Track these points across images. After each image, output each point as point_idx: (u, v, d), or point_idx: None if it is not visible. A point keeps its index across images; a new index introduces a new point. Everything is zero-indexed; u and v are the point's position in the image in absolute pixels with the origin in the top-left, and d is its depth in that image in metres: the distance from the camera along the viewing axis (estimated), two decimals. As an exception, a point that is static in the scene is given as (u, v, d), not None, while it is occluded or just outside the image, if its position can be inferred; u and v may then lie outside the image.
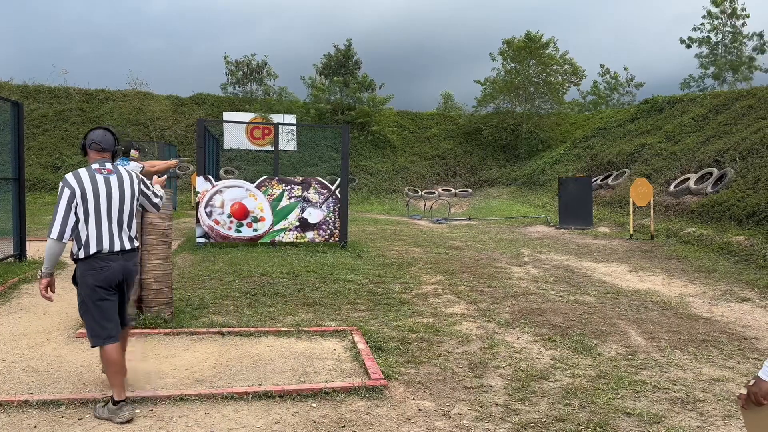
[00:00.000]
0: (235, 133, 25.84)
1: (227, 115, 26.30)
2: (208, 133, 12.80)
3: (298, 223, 10.69)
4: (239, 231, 10.45)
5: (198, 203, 10.36)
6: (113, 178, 3.56)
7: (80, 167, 3.65)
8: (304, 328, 5.19)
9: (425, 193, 25.80)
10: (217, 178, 11.95)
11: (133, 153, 9.61)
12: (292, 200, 10.69)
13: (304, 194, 10.72)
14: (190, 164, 24.41)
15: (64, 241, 3.40)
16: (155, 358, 4.42)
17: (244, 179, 11.06)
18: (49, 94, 26.65)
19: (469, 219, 18.66)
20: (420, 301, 6.56)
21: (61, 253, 3.47)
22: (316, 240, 10.73)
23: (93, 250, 3.45)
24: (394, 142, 28.75)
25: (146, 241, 5.22)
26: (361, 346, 4.70)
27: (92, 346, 3.57)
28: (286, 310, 5.95)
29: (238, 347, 4.72)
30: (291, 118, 26.43)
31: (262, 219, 10.56)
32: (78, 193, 3.43)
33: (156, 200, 3.90)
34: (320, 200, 10.78)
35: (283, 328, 5.19)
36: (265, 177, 10.78)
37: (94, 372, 4.11)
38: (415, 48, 79.36)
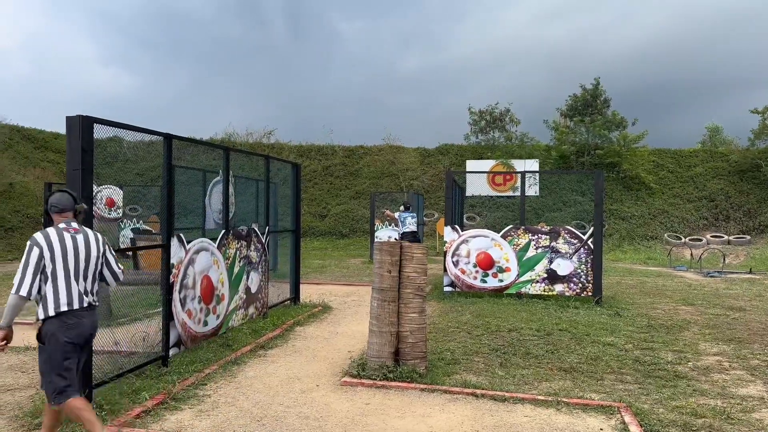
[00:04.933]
0: (477, 180, 26.28)
1: (470, 164, 26.94)
2: (455, 183, 13.15)
3: (545, 275, 10.17)
4: (484, 281, 10.34)
5: (446, 252, 10.57)
6: (80, 237, 3.56)
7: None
8: (564, 399, 4.72)
9: (690, 240, 22.75)
10: (461, 226, 12.10)
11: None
12: (539, 251, 10.23)
13: (552, 244, 10.19)
14: (434, 212, 25.51)
15: (31, 298, 3.36)
16: (412, 416, 4.42)
17: (485, 226, 10.99)
18: (319, 152, 30.51)
19: (750, 272, 15.78)
20: (701, 377, 5.55)
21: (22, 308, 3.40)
22: (566, 294, 10.04)
23: (64, 307, 3.40)
24: (649, 183, 26.16)
25: (403, 295, 5.36)
26: (634, 428, 4.08)
27: (54, 405, 3.38)
28: (541, 375, 5.54)
29: (493, 413, 4.47)
30: (533, 163, 25.93)
31: (507, 269, 10.31)
32: (47, 252, 3.40)
33: (117, 269, 3.76)
34: (570, 251, 10.12)
35: (539, 397, 4.80)
36: (510, 226, 10.54)
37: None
38: (672, 77, 71.72)
